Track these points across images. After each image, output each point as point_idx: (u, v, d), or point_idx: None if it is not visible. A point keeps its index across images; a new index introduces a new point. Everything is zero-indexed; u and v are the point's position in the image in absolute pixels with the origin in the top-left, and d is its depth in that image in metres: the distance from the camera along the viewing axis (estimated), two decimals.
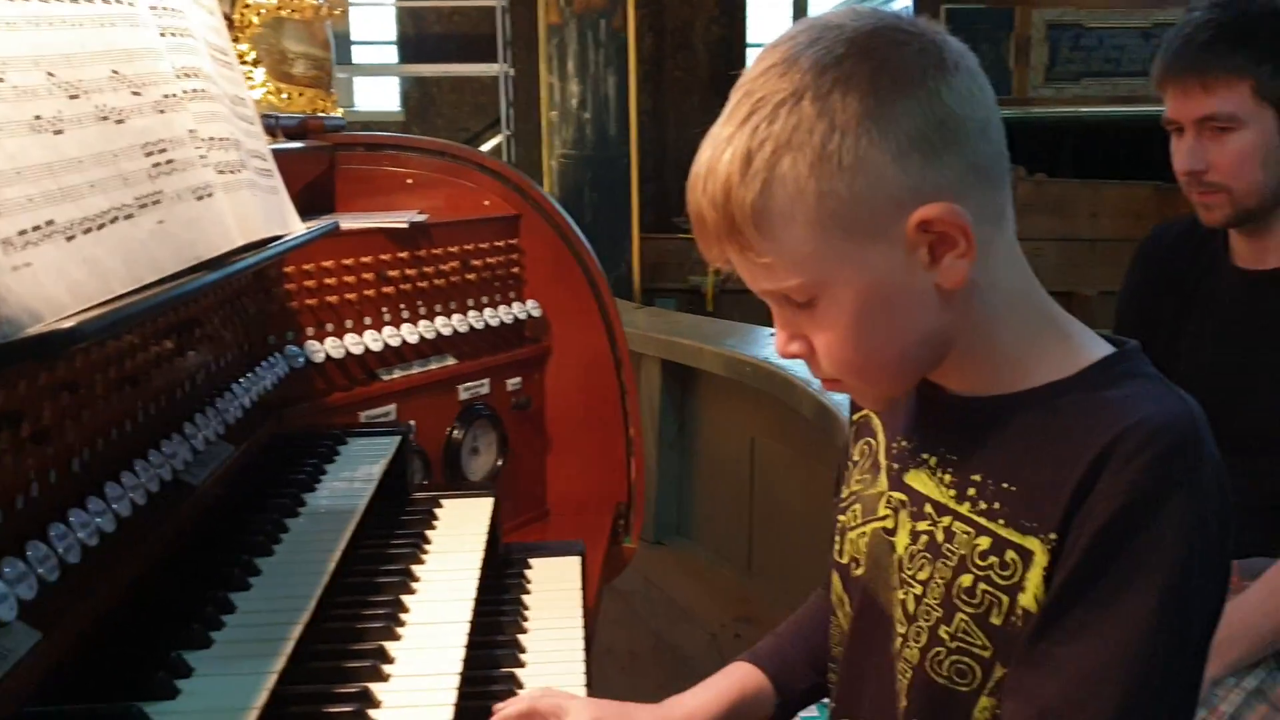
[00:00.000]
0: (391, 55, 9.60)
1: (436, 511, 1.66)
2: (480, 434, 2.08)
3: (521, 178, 2.17)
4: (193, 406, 1.37)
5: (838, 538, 1.18)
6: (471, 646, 1.28)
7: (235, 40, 7.12)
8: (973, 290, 0.96)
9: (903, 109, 0.90)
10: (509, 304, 2.12)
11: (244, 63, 7.18)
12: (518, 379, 2.15)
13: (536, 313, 2.15)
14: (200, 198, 1.16)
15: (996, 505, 0.98)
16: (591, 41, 6.07)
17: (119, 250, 0.98)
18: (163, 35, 1.22)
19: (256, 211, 1.26)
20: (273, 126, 1.89)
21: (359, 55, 9.51)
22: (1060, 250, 7.30)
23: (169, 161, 1.12)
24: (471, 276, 2.06)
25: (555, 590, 1.65)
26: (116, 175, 1.02)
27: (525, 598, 1.61)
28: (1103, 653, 0.92)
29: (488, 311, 2.07)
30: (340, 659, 1.19)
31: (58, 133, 0.96)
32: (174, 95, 1.19)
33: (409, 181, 2.16)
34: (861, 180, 0.91)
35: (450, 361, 2.02)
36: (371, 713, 1.10)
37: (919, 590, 1.03)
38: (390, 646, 1.24)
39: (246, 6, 7.42)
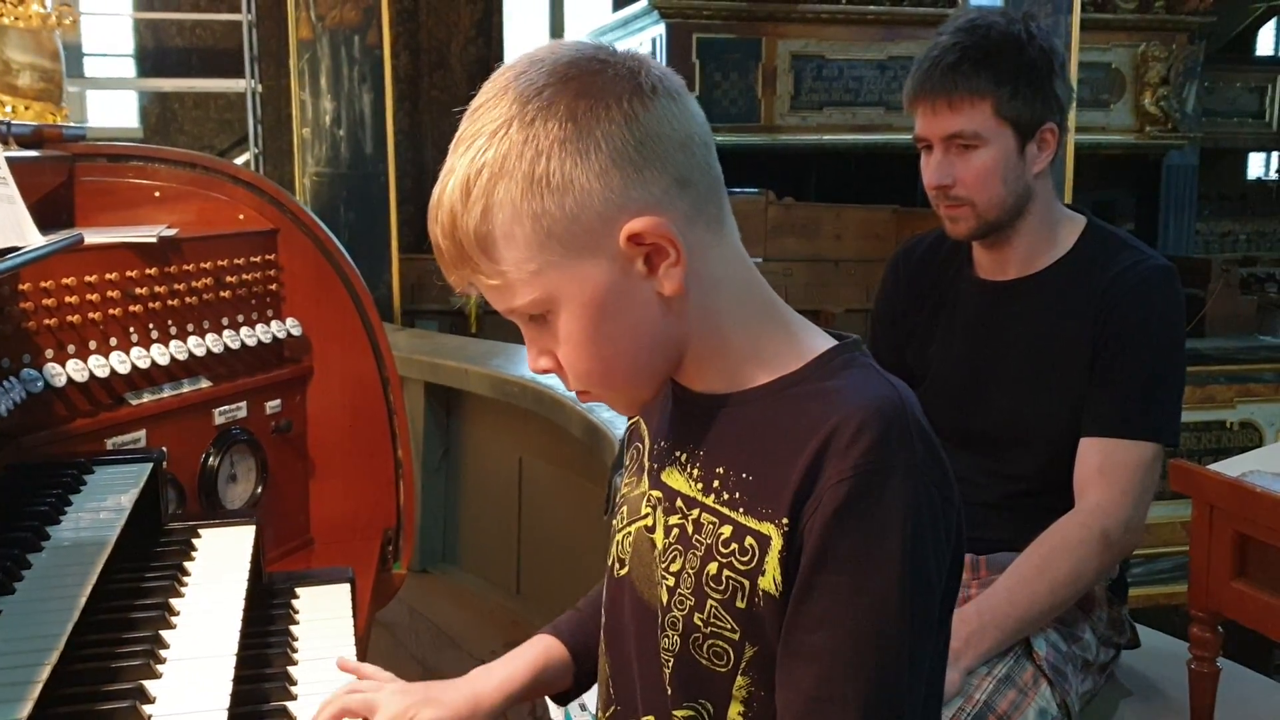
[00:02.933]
0: (129, 69, 9.11)
1: (194, 542, 1.57)
2: (238, 460, 1.98)
3: (279, 190, 2.08)
4: None
5: (611, 543, 1.21)
6: (239, 680, 1.21)
7: None
8: (697, 294, 1.03)
9: (602, 131, 0.97)
10: (267, 323, 2.03)
11: None
12: (277, 401, 2.06)
13: (296, 331, 2.07)
14: None
15: (737, 495, 1.04)
16: (345, 58, 5.92)
17: None
18: None
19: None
20: (4, 134, 1.75)
21: (93, 68, 8.97)
22: (808, 270, 7.61)
23: None
24: (226, 294, 1.96)
25: (325, 619, 1.58)
26: None
27: (294, 628, 1.54)
28: (851, 634, 0.97)
29: (244, 331, 1.98)
30: (94, 701, 1.11)
31: None
32: None
33: (156, 194, 2.05)
34: (570, 199, 0.97)
35: (204, 384, 1.92)
36: None
37: (672, 582, 1.09)
38: (150, 685, 1.16)
39: None
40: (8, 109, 6.67)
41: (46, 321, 1.66)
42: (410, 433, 4.90)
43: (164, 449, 1.73)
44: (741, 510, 1.03)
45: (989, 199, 1.96)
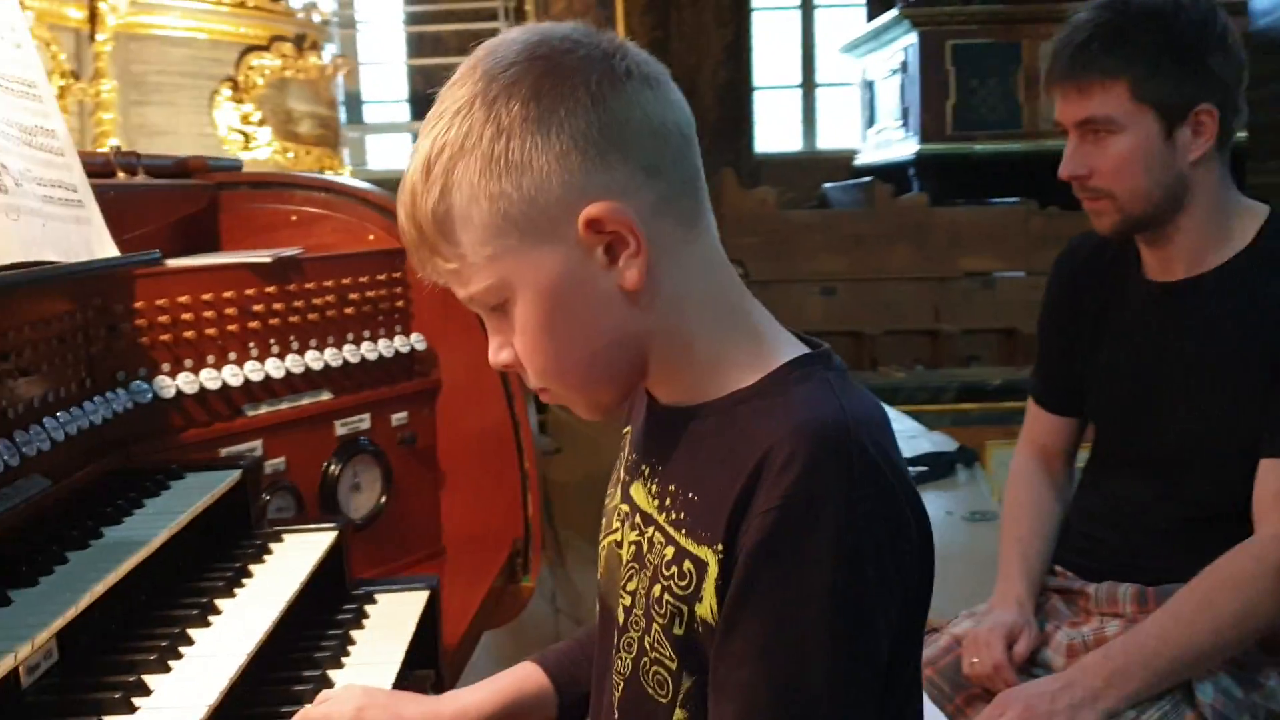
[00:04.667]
0: (405, 113, 9.72)
1: (272, 545, 1.63)
2: (362, 470, 2.04)
3: None
4: None
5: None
6: (243, 680, 1.24)
7: (240, 101, 7.14)
8: (662, 295, 0.98)
9: (565, 111, 0.94)
10: (391, 338, 2.09)
11: (249, 123, 7.18)
12: (403, 414, 2.12)
13: (421, 346, 2.12)
14: None
15: (682, 515, 0.98)
16: None
17: None
18: None
19: (9, 236, 1.24)
20: (133, 165, 1.89)
21: (371, 114, 9.63)
22: None
23: None
24: (350, 311, 2.03)
25: (391, 626, 1.60)
26: None
27: (356, 633, 1.57)
28: (770, 677, 0.90)
29: (366, 345, 2.04)
30: (87, 691, 1.16)
31: None
32: None
33: (293, 219, 2.16)
34: (528, 181, 0.94)
35: (325, 396, 1.99)
36: None
37: (628, 601, 1.04)
38: (153, 679, 1.20)
39: (251, 68, 7.52)
40: (290, 155, 7.17)
41: (162, 337, 1.76)
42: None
43: (259, 456, 1.81)
44: (684, 532, 0.98)
45: (1130, 191, 1.77)
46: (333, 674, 1.44)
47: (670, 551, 0.98)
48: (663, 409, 1.05)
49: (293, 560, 1.58)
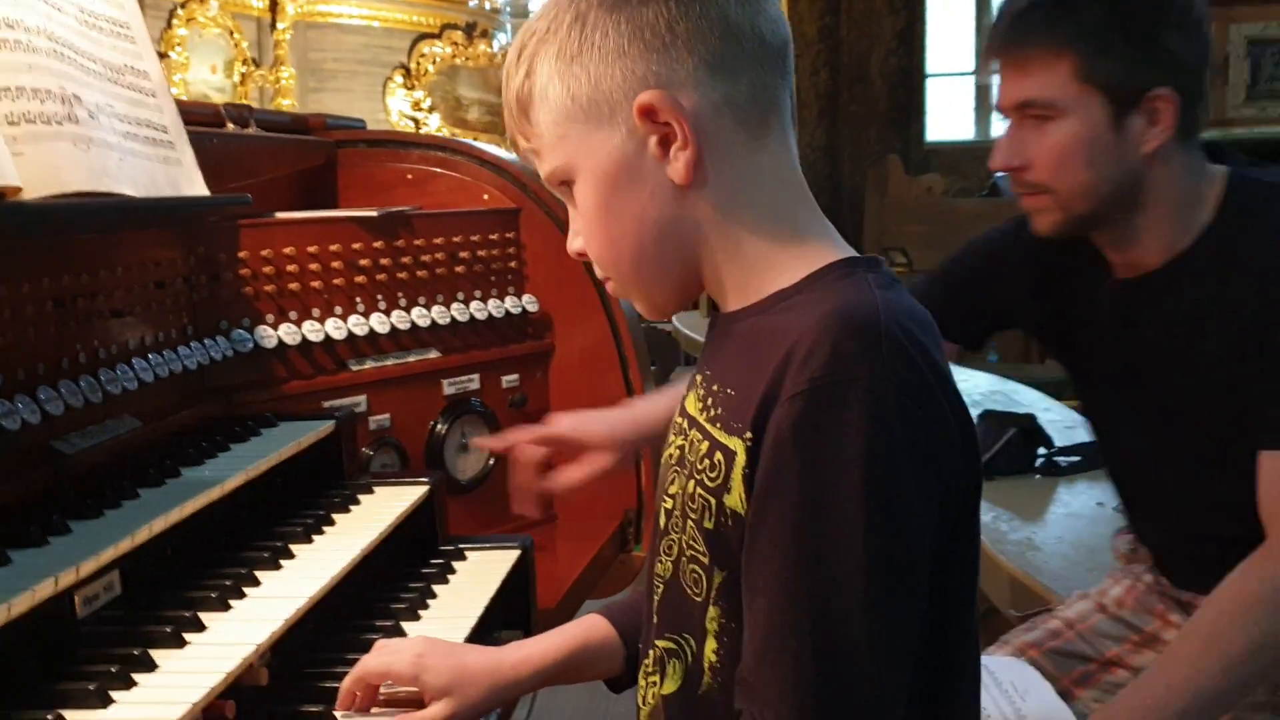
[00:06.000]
0: None
1: (361, 497, 1.60)
2: (470, 430, 2.01)
3: (521, 171, 2.10)
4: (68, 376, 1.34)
5: None
6: (325, 627, 1.23)
7: (411, 88, 7.34)
8: (712, 193, 0.99)
9: (638, 1, 0.97)
10: (502, 298, 2.05)
11: (419, 109, 7.33)
12: (514, 376, 2.08)
13: (534, 307, 2.08)
14: None
15: (718, 410, 0.99)
16: None
17: None
18: None
19: (76, 164, 1.23)
20: (244, 117, 1.89)
21: None
22: None
23: None
24: (460, 269, 2.00)
25: (475, 583, 1.56)
26: None
27: (439, 587, 1.53)
28: (799, 571, 0.89)
29: (475, 305, 2.01)
30: (142, 624, 1.15)
31: None
32: None
33: (409, 177, 2.14)
34: (594, 65, 0.98)
35: (433, 354, 1.96)
36: (139, 676, 1.05)
37: (669, 504, 1.04)
38: (210, 617, 1.18)
39: (422, 56, 7.70)
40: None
41: (266, 288, 1.76)
42: None
43: (360, 410, 1.79)
44: (718, 425, 0.99)
45: (1071, 186, 1.54)
46: (407, 625, 1.40)
47: (705, 446, 0.99)
48: (717, 316, 1.06)
49: (379, 512, 1.55)
